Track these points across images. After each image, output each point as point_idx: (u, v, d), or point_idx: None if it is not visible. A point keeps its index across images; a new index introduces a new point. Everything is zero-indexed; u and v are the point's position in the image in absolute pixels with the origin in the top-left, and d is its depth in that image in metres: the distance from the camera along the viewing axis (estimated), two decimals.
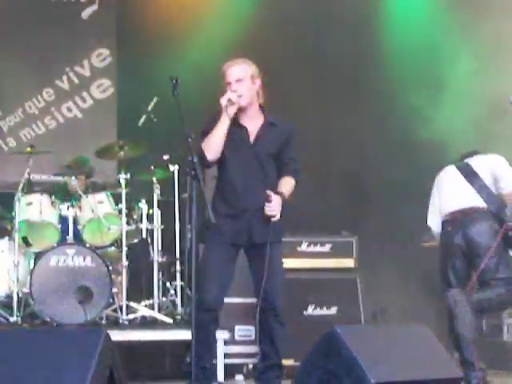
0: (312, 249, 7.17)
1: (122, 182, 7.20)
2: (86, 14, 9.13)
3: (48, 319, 6.67)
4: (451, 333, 5.88)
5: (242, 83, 5.18)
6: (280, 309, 5.20)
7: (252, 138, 5.23)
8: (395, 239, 8.08)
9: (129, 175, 7.25)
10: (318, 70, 8.82)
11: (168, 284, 7.48)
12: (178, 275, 7.33)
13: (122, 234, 7.11)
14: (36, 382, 3.93)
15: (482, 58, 7.83)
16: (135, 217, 7.37)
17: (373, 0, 8.87)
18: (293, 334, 6.30)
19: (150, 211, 7.39)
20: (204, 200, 4.77)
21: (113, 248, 7.36)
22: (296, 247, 7.13)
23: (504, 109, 6.62)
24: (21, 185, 7.04)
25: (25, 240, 6.99)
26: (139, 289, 7.63)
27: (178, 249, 7.37)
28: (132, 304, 7.08)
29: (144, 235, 7.38)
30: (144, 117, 7.48)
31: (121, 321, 6.91)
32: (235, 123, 5.19)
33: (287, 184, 5.28)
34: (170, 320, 7.01)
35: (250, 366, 6.83)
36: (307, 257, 7.14)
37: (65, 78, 9.05)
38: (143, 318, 7.08)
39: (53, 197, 7.17)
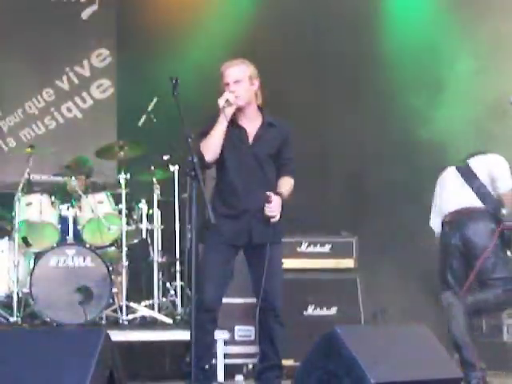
0: (312, 249, 7.17)
1: (122, 182, 7.21)
2: (86, 14, 9.13)
3: (48, 319, 6.67)
4: (449, 334, 5.88)
5: (240, 84, 5.17)
6: (280, 309, 5.20)
7: (251, 139, 5.23)
8: (395, 239, 8.08)
9: (129, 175, 7.25)
10: (318, 70, 8.82)
11: (168, 284, 7.48)
12: (178, 275, 7.33)
13: (121, 234, 7.11)
14: (36, 382, 3.93)
15: (482, 58, 7.83)
16: (135, 217, 7.37)
17: (373, 0, 8.87)
18: (293, 334, 6.31)
19: (150, 211, 7.39)
20: (204, 200, 4.77)
21: (113, 248, 7.36)
22: (296, 247, 7.13)
23: (504, 109, 6.62)
24: (21, 185, 7.04)
25: (25, 240, 6.99)
26: (139, 289, 7.63)
27: (178, 249, 7.37)
28: (132, 304, 7.08)
29: (144, 235, 7.38)
30: (144, 117, 7.48)
31: (121, 321, 6.91)
32: (234, 124, 5.19)
33: (286, 184, 5.29)
34: (169, 320, 7.01)
35: (250, 367, 6.83)
36: (307, 257, 7.14)
37: (65, 78, 9.05)
38: (143, 318, 7.09)
39: (53, 197, 7.17)
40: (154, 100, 7.45)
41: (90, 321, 6.68)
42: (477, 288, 6.02)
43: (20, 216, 6.95)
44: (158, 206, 7.42)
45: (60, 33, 8.95)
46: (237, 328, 6.86)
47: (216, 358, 6.53)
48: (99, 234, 7.12)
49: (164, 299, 7.38)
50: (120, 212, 7.15)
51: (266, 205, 5.09)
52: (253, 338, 6.67)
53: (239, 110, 5.19)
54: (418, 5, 8.63)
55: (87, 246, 6.99)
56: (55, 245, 6.95)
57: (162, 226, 7.44)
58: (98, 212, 7.10)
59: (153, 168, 7.51)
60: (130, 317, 7.00)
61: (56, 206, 7.14)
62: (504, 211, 5.96)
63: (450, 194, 6.23)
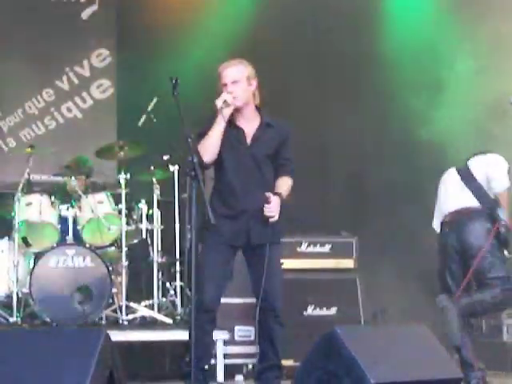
0: (312, 249, 7.17)
1: (122, 182, 7.20)
2: (86, 14, 9.12)
3: (48, 319, 6.67)
4: (446, 335, 5.89)
5: (238, 85, 5.15)
6: (280, 309, 5.20)
7: (249, 140, 5.21)
8: (395, 239, 8.08)
9: (129, 175, 7.25)
10: (318, 70, 8.83)
11: (168, 284, 7.47)
12: (178, 275, 7.33)
13: (121, 235, 7.11)
14: (36, 382, 3.93)
15: (482, 58, 7.84)
16: (135, 217, 7.37)
17: (373, 0, 8.87)
18: (293, 334, 6.32)
19: (150, 211, 7.39)
20: (204, 200, 4.77)
21: (112, 248, 7.36)
22: (296, 248, 7.14)
23: (504, 109, 6.63)
24: (20, 185, 7.04)
25: (24, 240, 6.98)
26: (139, 289, 7.63)
27: (178, 249, 7.37)
28: (132, 304, 7.08)
29: (144, 235, 7.38)
30: (144, 117, 7.48)
31: (120, 321, 6.91)
32: (231, 125, 5.17)
33: (285, 184, 5.28)
34: (169, 320, 7.01)
35: (250, 367, 6.84)
36: (307, 257, 7.14)
37: (65, 78, 9.04)
38: (143, 318, 7.08)
39: (52, 197, 7.17)
40: (154, 100, 7.45)
41: (89, 321, 6.68)
42: (475, 288, 6.03)
43: (20, 216, 6.95)
44: (158, 206, 7.42)
45: (60, 33, 8.94)
46: (237, 328, 6.86)
47: (216, 358, 6.54)
48: (99, 234, 7.12)
49: (164, 299, 7.38)
50: (120, 212, 7.15)
51: (265, 205, 5.08)
52: (252, 338, 6.67)
53: (237, 110, 5.18)
54: (418, 5, 8.63)
55: (87, 246, 6.99)
56: (55, 245, 6.95)
57: (162, 226, 7.43)
58: (98, 212, 7.10)
59: (153, 168, 7.51)
60: (130, 317, 7.00)
61: (56, 206, 7.14)
62: (500, 211, 5.96)
63: (449, 195, 6.25)
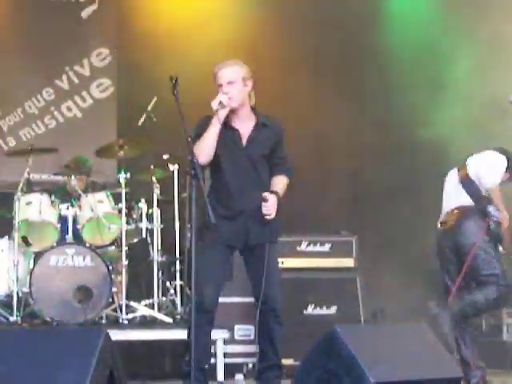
0: (312, 248, 7.17)
1: (122, 181, 7.20)
2: (86, 13, 9.12)
3: (48, 319, 6.67)
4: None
5: (234, 85, 5.12)
6: (280, 309, 5.19)
7: (244, 141, 5.19)
8: (395, 239, 8.09)
9: (128, 175, 7.25)
10: (317, 70, 8.83)
11: (168, 283, 7.47)
12: (178, 275, 7.33)
13: (121, 234, 7.11)
14: (36, 381, 3.93)
15: (482, 57, 7.84)
16: (135, 216, 7.37)
17: (373, 0, 8.87)
18: (292, 333, 6.32)
19: (150, 211, 7.39)
20: (204, 199, 4.77)
21: (112, 247, 7.35)
22: (296, 247, 7.14)
23: (504, 109, 6.63)
24: (20, 184, 7.04)
25: (24, 239, 6.98)
26: (139, 288, 7.64)
27: (178, 248, 7.37)
28: (132, 303, 7.08)
29: (144, 235, 7.38)
30: (144, 116, 7.48)
31: (121, 320, 6.91)
32: (227, 126, 5.14)
33: (280, 183, 5.27)
34: (169, 319, 7.01)
35: (250, 366, 6.84)
36: (307, 256, 7.14)
37: (64, 77, 9.04)
38: (143, 317, 7.08)
39: (52, 196, 7.17)
40: (154, 99, 7.45)
41: (89, 320, 6.68)
42: (474, 286, 6.04)
43: (20, 215, 6.95)
44: (158, 206, 7.42)
45: (60, 32, 8.93)
46: (236, 327, 6.87)
47: (216, 357, 6.54)
48: (99, 234, 7.11)
49: (164, 298, 7.38)
50: (120, 211, 7.15)
51: (263, 203, 5.08)
52: (252, 337, 6.68)
53: (232, 111, 5.14)
54: (417, 5, 8.64)
55: (87, 245, 6.99)
56: (55, 244, 6.94)
57: (162, 226, 7.43)
58: (98, 211, 7.10)
59: (152, 167, 7.52)
60: (130, 316, 7.00)
61: (56, 205, 7.14)
62: (491, 208, 5.97)
63: (448, 195, 6.27)
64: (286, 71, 8.63)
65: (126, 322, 6.91)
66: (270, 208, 5.10)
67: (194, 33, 8.80)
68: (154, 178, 7.45)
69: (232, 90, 5.11)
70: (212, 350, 6.10)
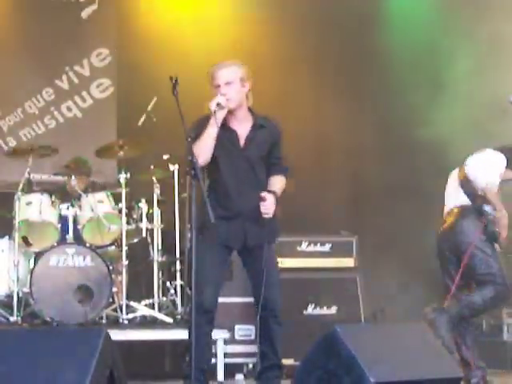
0: (312, 248, 7.17)
1: (122, 181, 7.21)
2: (86, 13, 9.12)
3: (48, 319, 6.67)
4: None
5: (231, 86, 5.10)
6: (279, 310, 5.19)
7: (242, 142, 5.18)
8: (395, 239, 8.09)
9: (129, 175, 7.26)
10: (317, 70, 8.82)
11: (168, 283, 7.47)
12: (178, 275, 7.33)
13: (121, 234, 7.11)
14: (36, 381, 3.93)
15: (482, 57, 7.84)
16: (135, 216, 7.37)
17: (373, 0, 8.87)
18: (293, 333, 6.32)
19: (150, 211, 7.39)
20: (203, 199, 4.77)
21: (113, 247, 7.36)
22: (296, 247, 7.14)
23: (504, 109, 6.63)
24: (21, 184, 7.05)
25: (25, 239, 6.98)
26: (139, 288, 7.64)
27: (178, 248, 7.37)
28: (132, 303, 7.08)
29: (144, 235, 7.38)
30: (144, 116, 7.49)
31: (121, 320, 6.91)
32: (224, 127, 5.12)
33: (278, 182, 5.26)
34: (169, 319, 7.01)
35: (250, 366, 6.85)
36: (307, 256, 7.15)
37: (64, 77, 9.04)
38: (143, 317, 7.09)
39: (53, 196, 7.17)
40: (154, 99, 7.45)
41: (90, 320, 6.68)
42: (475, 286, 6.04)
43: (20, 215, 6.95)
44: (158, 206, 7.42)
45: (60, 32, 8.93)
46: (237, 327, 6.87)
47: (216, 357, 6.54)
48: (99, 234, 7.12)
49: (164, 298, 7.38)
50: (120, 211, 7.15)
51: (261, 203, 5.08)
52: (253, 337, 6.68)
53: (230, 112, 5.12)
54: (417, 5, 8.64)
55: (87, 245, 7.00)
56: (55, 244, 6.95)
57: (162, 226, 7.44)
58: (98, 211, 7.11)
59: (153, 167, 7.52)
60: (130, 316, 7.00)
61: (56, 205, 7.14)
62: (487, 207, 5.97)
63: (448, 196, 6.29)
64: (285, 71, 8.63)
65: (126, 322, 6.91)
66: (268, 207, 5.09)
67: (194, 33, 8.80)
68: (154, 178, 7.45)
69: (230, 90, 5.09)
70: (212, 350, 6.10)
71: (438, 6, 8.43)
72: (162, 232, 7.43)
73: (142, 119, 7.49)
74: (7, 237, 7.09)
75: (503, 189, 6.14)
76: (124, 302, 6.95)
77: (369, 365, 4.38)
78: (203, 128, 5.05)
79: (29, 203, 7.03)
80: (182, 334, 6.42)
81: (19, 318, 6.74)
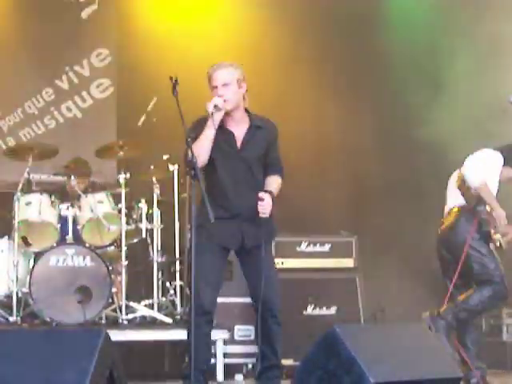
0: (312, 249, 7.18)
1: (122, 181, 7.21)
2: (86, 13, 9.12)
3: (47, 319, 6.67)
4: None
5: (229, 87, 5.09)
6: (277, 310, 5.19)
7: (239, 143, 5.18)
8: (395, 239, 8.09)
9: (128, 175, 7.25)
10: (317, 71, 8.82)
11: (168, 284, 7.47)
12: (178, 275, 7.33)
13: (121, 234, 7.11)
14: (35, 382, 3.93)
15: (482, 57, 7.84)
16: (135, 216, 7.37)
17: (373, 1, 8.87)
18: (292, 333, 6.32)
19: (150, 211, 7.38)
20: (203, 199, 4.77)
21: (112, 248, 7.36)
22: (295, 247, 7.14)
23: (504, 109, 6.63)
24: (20, 184, 7.04)
25: (24, 240, 6.98)
26: (139, 289, 7.64)
27: (178, 249, 7.37)
28: (131, 304, 7.08)
29: (144, 235, 7.38)
30: (144, 116, 7.48)
31: (120, 321, 6.91)
32: (221, 128, 5.12)
33: (274, 182, 5.26)
34: (169, 320, 7.01)
35: (250, 366, 6.85)
36: (307, 257, 7.15)
37: (64, 77, 9.04)
38: (143, 317, 7.08)
39: (52, 196, 7.17)
40: (154, 99, 7.45)
41: (89, 320, 6.68)
42: (475, 285, 6.05)
43: (19, 216, 6.95)
44: (158, 206, 7.42)
45: (60, 32, 8.92)
46: (236, 328, 6.87)
47: (216, 357, 6.54)
48: (99, 234, 7.12)
49: (163, 299, 7.37)
50: (120, 211, 7.15)
51: (259, 203, 5.08)
52: (252, 337, 6.68)
53: (227, 113, 5.11)
54: (417, 5, 8.63)
55: (87, 245, 6.99)
56: (55, 244, 6.95)
57: (162, 226, 7.43)
58: (98, 211, 7.10)
59: (152, 168, 7.51)
60: (130, 316, 7.00)
61: (55, 205, 7.14)
62: (480, 207, 5.98)
63: (449, 196, 6.28)
64: (285, 72, 8.62)
65: (125, 322, 6.91)
66: (265, 207, 5.09)
67: (194, 33, 8.80)
68: (153, 179, 7.45)
69: (227, 92, 5.09)
70: (212, 351, 6.10)
71: (438, 6, 8.43)
72: (161, 232, 7.43)
73: (142, 119, 7.49)
74: (7, 237, 7.08)
75: (505, 188, 6.16)
76: (123, 302, 6.95)
77: (369, 365, 4.38)
78: (201, 129, 5.05)
79: (28, 203, 7.03)
80: (181, 335, 6.41)
81: (19, 319, 6.74)
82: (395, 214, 8.12)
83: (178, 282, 7.30)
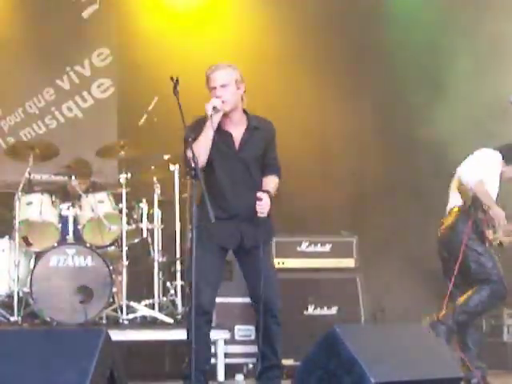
0: (312, 249, 7.18)
1: (123, 181, 7.21)
2: (87, 13, 9.12)
3: (48, 319, 6.68)
4: None
5: (227, 88, 5.09)
6: (277, 310, 5.19)
7: (237, 144, 5.18)
8: (395, 239, 8.09)
9: (129, 175, 7.26)
10: (317, 71, 8.82)
11: (168, 284, 7.47)
12: (179, 275, 7.33)
13: (122, 234, 7.11)
14: (36, 381, 3.93)
15: (483, 57, 7.84)
16: (135, 216, 7.37)
17: (374, 0, 8.87)
18: (293, 333, 6.33)
19: (151, 211, 7.39)
20: (203, 199, 4.77)
21: (113, 248, 7.36)
22: (296, 247, 7.15)
23: (504, 109, 6.63)
24: (21, 184, 7.04)
25: (25, 239, 6.99)
26: (139, 288, 7.63)
27: (179, 248, 7.37)
28: (132, 304, 7.08)
29: (144, 235, 7.38)
30: (144, 116, 7.48)
31: (121, 320, 6.91)
32: (219, 130, 5.11)
33: (272, 182, 5.27)
34: (170, 320, 7.01)
35: (250, 366, 6.85)
36: (307, 257, 7.15)
37: (65, 77, 9.04)
38: (143, 317, 7.09)
39: (53, 196, 7.17)
40: (155, 99, 7.45)
41: (90, 320, 6.68)
42: (474, 287, 6.05)
43: (20, 215, 6.95)
44: (159, 206, 7.42)
45: (60, 32, 8.92)
46: (237, 327, 6.87)
47: (216, 357, 6.54)
48: (100, 234, 7.12)
49: (164, 299, 7.37)
50: (120, 211, 7.15)
51: (258, 202, 5.09)
52: (253, 337, 6.68)
53: (225, 114, 5.11)
54: (418, 4, 8.63)
55: (87, 245, 6.99)
56: (56, 244, 6.95)
57: (163, 226, 7.43)
58: (99, 211, 7.11)
59: (153, 167, 7.52)
60: (131, 316, 7.00)
61: (56, 205, 7.14)
62: (475, 206, 5.98)
63: (450, 196, 6.28)
64: (286, 73, 8.62)
65: (126, 322, 6.91)
66: (263, 207, 5.10)
67: (195, 33, 8.81)
68: (154, 179, 7.45)
69: (225, 92, 5.09)
70: (212, 351, 6.10)
71: (438, 6, 8.42)
72: (162, 232, 7.43)
73: (143, 119, 7.49)
74: (7, 237, 7.08)
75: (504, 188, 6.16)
76: (124, 302, 6.95)
77: (369, 365, 4.38)
78: (200, 130, 5.05)
79: (29, 203, 7.03)
80: (182, 335, 6.35)
81: (19, 318, 6.74)
82: (396, 214, 8.12)
83: (178, 282, 7.30)
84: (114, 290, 6.99)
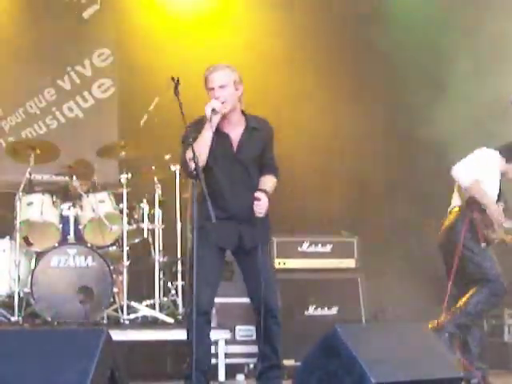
0: (313, 249, 7.18)
1: (124, 181, 7.21)
2: (88, 13, 9.12)
3: (49, 319, 6.68)
4: None
5: (226, 89, 5.10)
6: (276, 310, 5.20)
7: (235, 145, 5.18)
8: (396, 239, 8.09)
9: (130, 175, 7.26)
10: (318, 72, 8.82)
11: (169, 284, 7.48)
12: (179, 275, 7.33)
13: (123, 234, 7.12)
14: (37, 381, 3.94)
15: (483, 57, 7.84)
16: (136, 216, 7.37)
17: (375, 1, 8.87)
18: (294, 334, 6.33)
19: (152, 211, 7.39)
20: (204, 199, 4.77)
21: (114, 248, 7.36)
22: (297, 247, 7.15)
23: (504, 109, 6.63)
24: (22, 185, 7.05)
25: (26, 240, 6.99)
26: (140, 288, 7.64)
27: (180, 249, 7.38)
28: (133, 304, 7.08)
29: (145, 235, 7.39)
30: (145, 116, 7.49)
31: (122, 320, 6.91)
32: (218, 131, 5.11)
33: (269, 181, 5.27)
34: (171, 320, 7.01)
35: (251, 366, 6.85)
36: (308, 257, 7.15)
37: (66, 77, 9.04)
38: (144, 317, 7.09)
39: (54, 196, 7.17)
40: (156, 100, 7.45)
41: (91, 320, 6.69)
42: (472, 288, 6.05)
43: (21, 216, 6.96)
44: (160, 206, 7.42)
45: (61, 32, 8.93)
46: (238, 328, 6.87)
47: (217, 357, 6.54)
48: (100, 234, 7.12)
49: (165, 299, 7.38)
50: (121, 211, 7.16)
51: (255, 202, 5.09)
52: (254, 337, 6.66)
53: (223, 116, 5.11)
54: (418, 4, 8.63)
55: (88, 245, 7.00)
56: (56, 244, 6.95)
57: (163, 226, 7.44)
58: (100, 211, 7.11)
59: (154, 168, 7.52)
60: (132, 316, 7.00)
61: (57, 205, 7.15)
62: (472, 207, 5.98)
63: (453, 197, 6.29)
64: (286, 74, 8.62)
65: (127, 322, 6.92)
66: (262, 207, 5.11)
67: (195, 33, 8.81)
68: (155, 179, 7.45)
69: (224, 93, 5.09)
70: (213, 351, 6.10)
71: (438, 6, 8.42)
72: (163, 232, 7.43)
73: (144, 119, 7.49)
74: (8, 237, 7.09)
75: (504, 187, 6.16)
76: (125, 302, 6.96)
77: (370, 365, 4.39)
78: (198, 131, 5.05)
79: (30, 203, 7.04)
80: (183, 335, 6.35)
81: (20, 318, 6.74)
82: (396, 214, 8.12)
83: (179, 282, 7.30)
84: (115, 290, 7.00)
